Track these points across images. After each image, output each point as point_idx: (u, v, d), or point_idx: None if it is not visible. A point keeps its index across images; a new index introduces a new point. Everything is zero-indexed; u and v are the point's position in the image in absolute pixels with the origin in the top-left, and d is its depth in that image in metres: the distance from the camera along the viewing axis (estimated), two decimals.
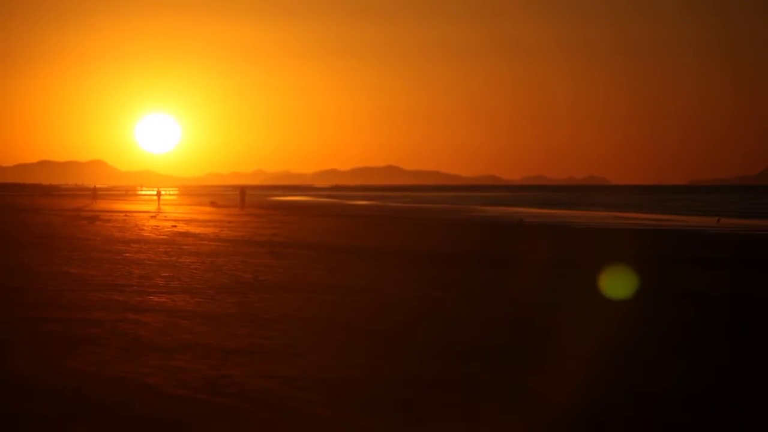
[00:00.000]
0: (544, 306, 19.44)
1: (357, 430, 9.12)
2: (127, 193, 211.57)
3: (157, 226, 51.16)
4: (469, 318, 17.23)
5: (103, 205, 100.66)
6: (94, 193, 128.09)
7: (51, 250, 31.08)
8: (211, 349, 13.16)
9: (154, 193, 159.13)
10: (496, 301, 20.03)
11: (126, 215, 67.94)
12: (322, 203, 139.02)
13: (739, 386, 11.77)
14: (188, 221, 59.06)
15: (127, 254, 29.95)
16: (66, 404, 9.73)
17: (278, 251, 32.89)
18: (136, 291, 19.85)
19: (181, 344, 13.46)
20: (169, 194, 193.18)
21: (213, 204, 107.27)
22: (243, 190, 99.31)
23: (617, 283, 24.73)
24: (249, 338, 14.11)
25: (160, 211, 79.23)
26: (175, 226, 50.90)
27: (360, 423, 9.36)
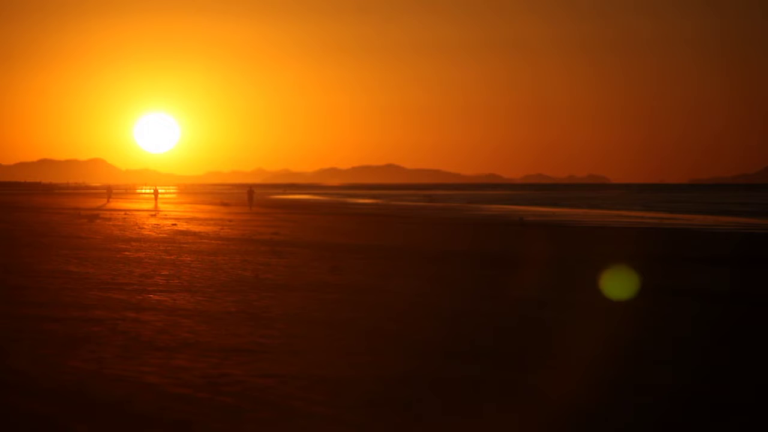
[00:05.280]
0: (545, 304, 19.43)
1: (357, 429, 9.12)
2: (128, 191, 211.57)
3: (158, 224, 51.16)
4: (469, 316, 17.22)
5: (99, 203, 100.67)
6: (109, 191, 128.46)
7: (51, 248, 31.07)
8: (212, 347, 13.15)
9: (152, 191, 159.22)
10: (496, 300, 20.02)
11: (126, 214, 67.93)
12: (323, 201, 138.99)
13: (740, 384, 11.76)
14: (188, 220, 59.05)
15: (127, 253, 29.95)
16: (66, 403, 9.72)
17: (279, 250, 32.89)
18: (137, 289, 19.85)
19: (181, 343, 13.46)
20: (169, 193, 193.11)
21: (223, 203, 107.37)
22: (251, 189, 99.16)
23: (617, 282, 24.72)
24: (249, 337, 14.11)
25: (158, 210, 79.20)
26: (175, 225, 50.90)
27: (360, 422, 9.35)
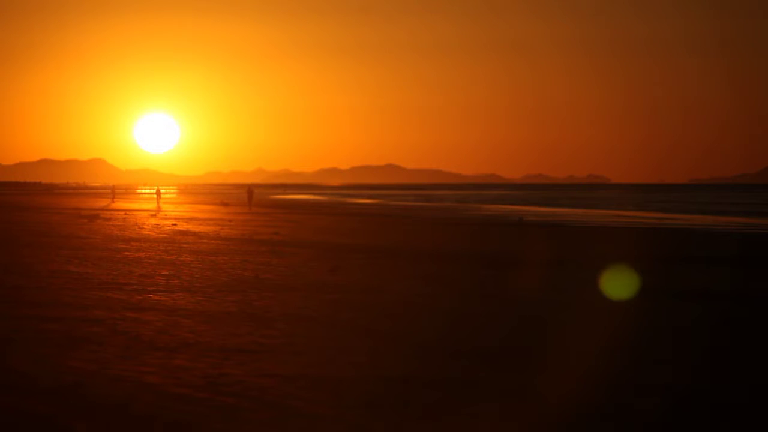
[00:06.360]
0: (544, 305, 19.43)
1: (357, 429, 9.12)
2: (128, 191, 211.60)
3: (158, 224, 51.16)
4: (468, 317, 17.23)
5: (104, 203, 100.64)
6: (113, 192, 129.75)
7: (51, 248, 31.08)
8: (212, 347, 13.16)
9: (154, 191, 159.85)
10: (495, 300, 20.03)
11: (126, 214, 67.93)
12: (323, 201, 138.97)
13: (740, 384, 11.76)
14: (188, 220, 59.05)
15: (127, 253, 29.95)
16: (66, 403, 9.73)
17: (279, 250, 32.89)
18: (137, 289, 19.85)
19: (181, 343, 13.46)
20: (169, 193, 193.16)
21: (223, 203, 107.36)
22: (251, 189, 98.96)
23: (617, 282, 24.72)
24: (249, 337, 14.11)
25: (159, 210, 79.22)
26: (175, 225, 50.90)
27: (360, 422, 9.36)
